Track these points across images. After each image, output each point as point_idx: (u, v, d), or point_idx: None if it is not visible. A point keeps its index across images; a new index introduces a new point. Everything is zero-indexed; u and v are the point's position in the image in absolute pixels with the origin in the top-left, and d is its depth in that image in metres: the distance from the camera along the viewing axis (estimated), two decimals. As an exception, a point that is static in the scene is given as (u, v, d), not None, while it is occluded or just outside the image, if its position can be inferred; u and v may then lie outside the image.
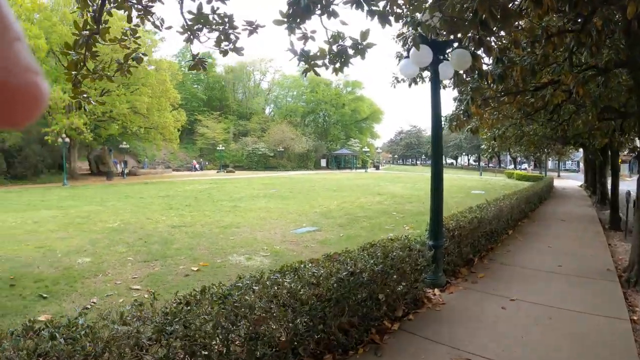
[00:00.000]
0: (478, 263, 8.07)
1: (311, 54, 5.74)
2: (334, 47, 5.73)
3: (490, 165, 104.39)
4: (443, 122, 12.77)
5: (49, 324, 2.60)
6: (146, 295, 6.39)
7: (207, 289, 3.43)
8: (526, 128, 18.14)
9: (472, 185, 34.15)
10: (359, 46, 5.60)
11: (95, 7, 5.49)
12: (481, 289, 6.47)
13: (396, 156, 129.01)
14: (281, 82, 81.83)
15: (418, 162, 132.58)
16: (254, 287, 3.48)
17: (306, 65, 5.80)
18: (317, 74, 5.88)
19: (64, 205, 18.77)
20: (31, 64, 0.38)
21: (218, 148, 60.79)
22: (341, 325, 4.04)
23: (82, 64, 5.62)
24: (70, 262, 8.58)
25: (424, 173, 61.59)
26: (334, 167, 71.79)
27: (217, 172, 55.48)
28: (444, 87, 10.67)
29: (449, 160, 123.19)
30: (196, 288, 3.46)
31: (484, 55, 6.10)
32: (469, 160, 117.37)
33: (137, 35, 6.16)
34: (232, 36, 6.10)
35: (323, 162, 72.45)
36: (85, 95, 6.29)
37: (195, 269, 8.08)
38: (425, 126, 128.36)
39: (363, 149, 73.78)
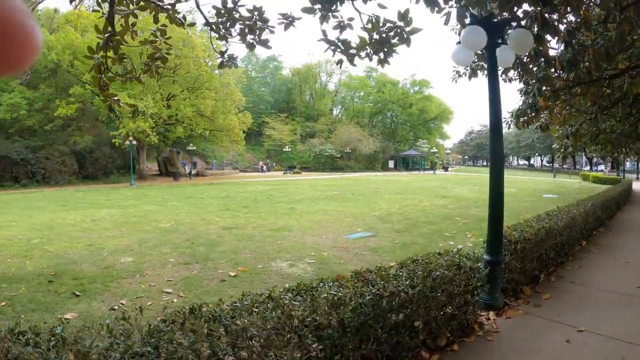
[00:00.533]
0: (544, 281, 6.93)
1: (352, 45, 5.15)
2: (375, 35, 5.09)
3: (564, 166, 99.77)
4: (509, 118, 11.95)
5: (31, 329, 2.51)
6: (175, 300, 6.18)
7: (199, 307, 2.87)
8: (602, 125, 16.60)
9: (544, 189, 31.87)
10: (402, 32, 4.93)
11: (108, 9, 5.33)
12: (544, 314, 5.40)
13: (466, 157, 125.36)
14: (347, 84, 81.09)
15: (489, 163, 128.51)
16: (254, 310, 2.88)
17: (343, 56, 5.24)
18: (353, 64, 5.37)
19: (125, 205, 19.11)
20: (19, 4, 0.35)
21: (285, 149, 60.79)
22: (365, 356, 3.33)
23: (104, 67, 5.52)
24: (113, 261, 8.54)
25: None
26: (401, 168, 70.35)
27: (284, 173, 55.58)
28: (509, 79, 9.66)
29: (522, 162, 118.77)
30: (234, 295, 2.95)
31: (549, 38, 5.27)
32: (542, 161, 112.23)
33: (167, 36, 5.90)
34: (257, 29, 5.63)
35: (391, 164, 71.21)
36: (116, 98, 6.13)
37: (233, 274, 7.59)
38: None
39: (431, 150, 71.92)
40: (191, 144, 45.57)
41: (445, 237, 10.99)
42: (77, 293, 6.51)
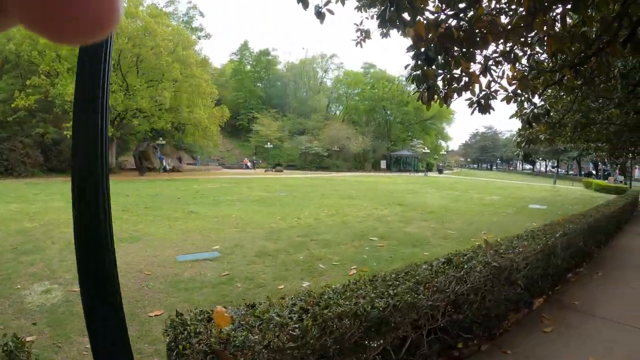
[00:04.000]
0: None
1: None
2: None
3: (571, 172, 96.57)
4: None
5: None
6: None
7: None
8: (595, 114, 13.46)
9: (535, 197, 28.26)
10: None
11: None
12: None
13: (469, 160, 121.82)
14: (342, 79, 78.39)
15: (494, 166, 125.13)
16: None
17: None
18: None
19: (35, 200, 17.42)
20: None
21: (266, 146, 58.26)
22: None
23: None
24: None
25: (492, 179, 56.55)
26: (393, 169, 67.33)
27: (265, 171, 53.01)
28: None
29: (528, 166, 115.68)
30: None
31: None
32: (546, 166, 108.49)
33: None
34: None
35: (383, 164, 68.15)
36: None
37: None
38: (502, 128, 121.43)
39: (424, 150, 68.73)
40: (160, 138, 43.13)
41: (310, 273, 7.87)
42: None
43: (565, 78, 7.64)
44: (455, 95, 6.54)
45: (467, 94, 6.44)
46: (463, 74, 6.35)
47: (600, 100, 13.19)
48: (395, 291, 3.46)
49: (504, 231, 11.11)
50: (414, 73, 5.93)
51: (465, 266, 4.40)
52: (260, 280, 7.24)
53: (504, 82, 6.86)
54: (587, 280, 7.84)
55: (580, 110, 13.30)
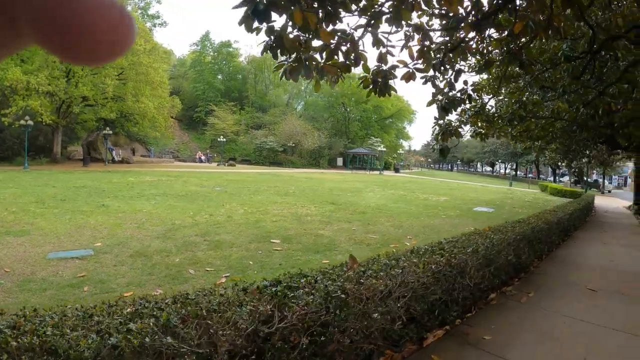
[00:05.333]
0: None
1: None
2: None
3: (529, 175, 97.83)
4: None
5: None
6: None
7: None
8: (535, 107, 12.53)
9: (485, 199, 28.00)
10: None
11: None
12: None
13: (429, 160, 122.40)
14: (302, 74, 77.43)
15: (455, 167, 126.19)
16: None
17: None
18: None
19: None
20: None
21: (219, 139, 57.26)
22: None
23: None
24: None
25: (448, 180, 56.57)
26: (350, 166, 66.95)
27: (217, 165, 52.03)
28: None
29: (488, 168, 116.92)
30: None
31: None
32: (506, 168, 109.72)
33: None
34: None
35: (340, 161, 67.87)
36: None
37: None
38: (463, 130, 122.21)
39: (381, 149, 68.46)
40: (107, 128, 41.64)
41: (174, 279, 7.16)
42: None
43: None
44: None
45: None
46: (344, 44, 5.58)
47: (538, 91, 12.49)
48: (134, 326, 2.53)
49: (435, 236, 10.55)
50: (267, 42, 5.08)
51: (290, 292, 3.26)
52: (114, 284, 6.62)
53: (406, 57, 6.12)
54: (513, 304, 6.46)
55: (518, 101, 12.18)
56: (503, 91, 13.92)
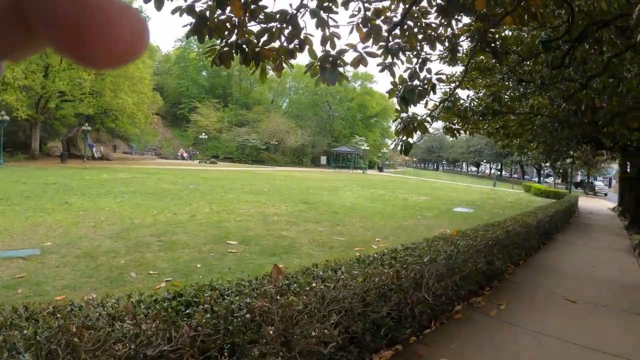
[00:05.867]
0: None
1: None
2: None
3: (514, 176, 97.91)
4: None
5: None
6: None
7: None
8: (510, 102, 12.21)
9: (467, 200, 27.71)
10: None
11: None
12: None
13: (415, 159, 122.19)
14: (287, 72, 76.93)
15: (440, 167, 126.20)
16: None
17: None
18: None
19: None
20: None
21: (201, 137, 56.48)
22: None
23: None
24: None
25: (432, 179, 56.31)
26: (334, 165, 66.53)
27: (199, 162, 51.40)
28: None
29: (474, 168, 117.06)
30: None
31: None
32: (491, 168, 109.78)
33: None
34: None
35: (323, 160, 67.50)
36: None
37: None
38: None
39: (364, 147, 67.98)
40: (86, 124, 40.81)
41: (113, 282, 6.88)
42: None
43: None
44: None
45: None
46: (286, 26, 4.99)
47: (517, 86, 11.91)
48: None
49: (406, 238, 10.15)
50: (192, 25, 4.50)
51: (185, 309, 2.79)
52: (49, 287, 6.32)
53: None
54: (480, 317, 5.77)
55: (493, 94, 11.30)
56: (480, 83, 13.37)
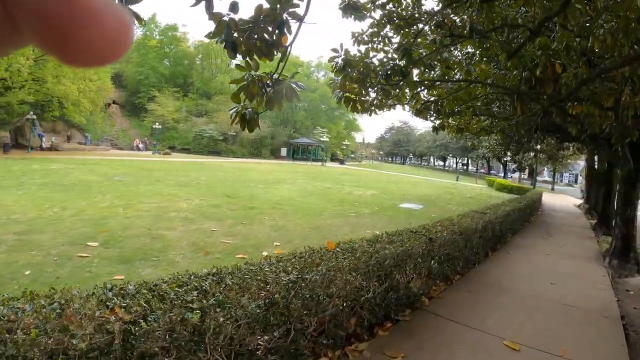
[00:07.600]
0: None
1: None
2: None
3: (481, 171, 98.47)
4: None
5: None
6: None
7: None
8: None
9: (419, 194, 27.16)
10: None
11: None
12: None
13: (382, 153, 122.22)
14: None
15: (407, 161, 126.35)
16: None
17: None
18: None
19: None
20: None
21: (154, 127, 55.33)
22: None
23: None
24: None
25: (394, 173, 56.06)
26: (294, 157, 65.99)
27: (152, 153, 50.26)
28: None
29: (440, 162, 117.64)
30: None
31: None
32: (457, 163, 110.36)
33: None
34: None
35: (283, 151, 66.76)
36: None
37: None
38: (416, 123, 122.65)
39: (324, 139, 67.47)
40: (31, 112, 39.39)
41: None
42: None
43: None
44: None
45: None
46: None
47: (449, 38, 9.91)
48: None
49: (318, 241, 8.38)
50: None
51: None
52: None
53: None
54: None
55: (400, 48, 8.48)
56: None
